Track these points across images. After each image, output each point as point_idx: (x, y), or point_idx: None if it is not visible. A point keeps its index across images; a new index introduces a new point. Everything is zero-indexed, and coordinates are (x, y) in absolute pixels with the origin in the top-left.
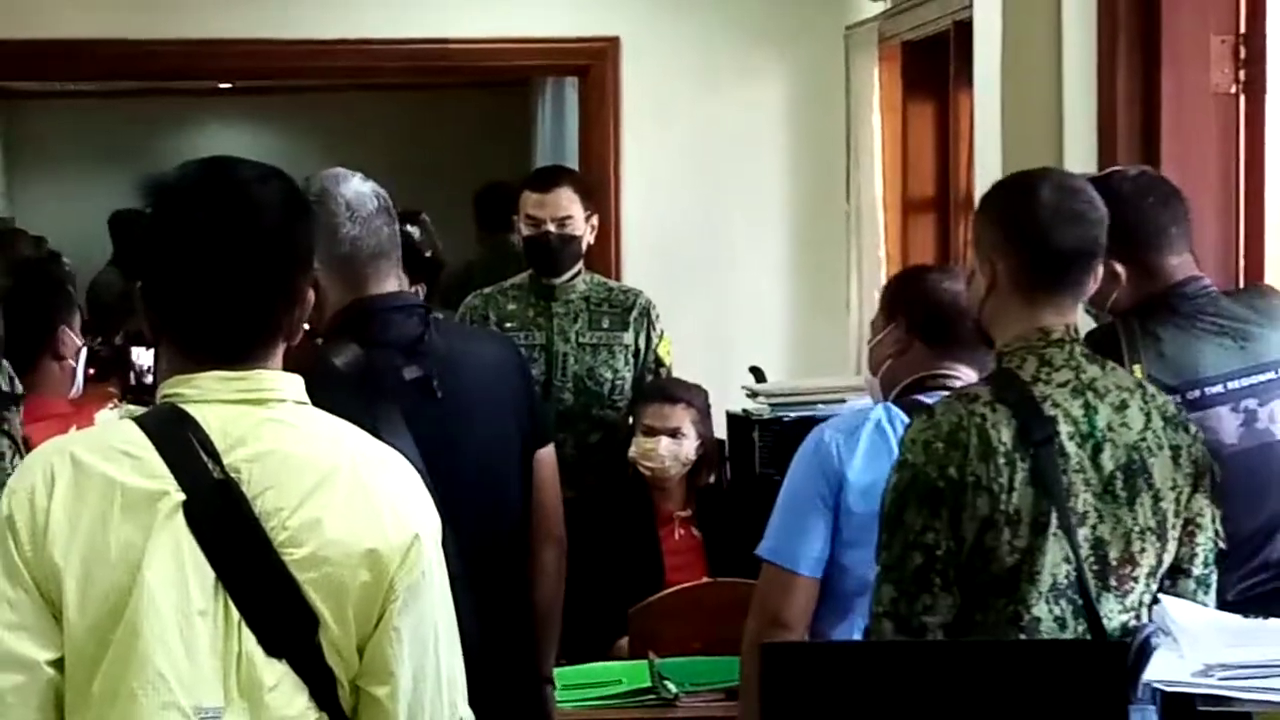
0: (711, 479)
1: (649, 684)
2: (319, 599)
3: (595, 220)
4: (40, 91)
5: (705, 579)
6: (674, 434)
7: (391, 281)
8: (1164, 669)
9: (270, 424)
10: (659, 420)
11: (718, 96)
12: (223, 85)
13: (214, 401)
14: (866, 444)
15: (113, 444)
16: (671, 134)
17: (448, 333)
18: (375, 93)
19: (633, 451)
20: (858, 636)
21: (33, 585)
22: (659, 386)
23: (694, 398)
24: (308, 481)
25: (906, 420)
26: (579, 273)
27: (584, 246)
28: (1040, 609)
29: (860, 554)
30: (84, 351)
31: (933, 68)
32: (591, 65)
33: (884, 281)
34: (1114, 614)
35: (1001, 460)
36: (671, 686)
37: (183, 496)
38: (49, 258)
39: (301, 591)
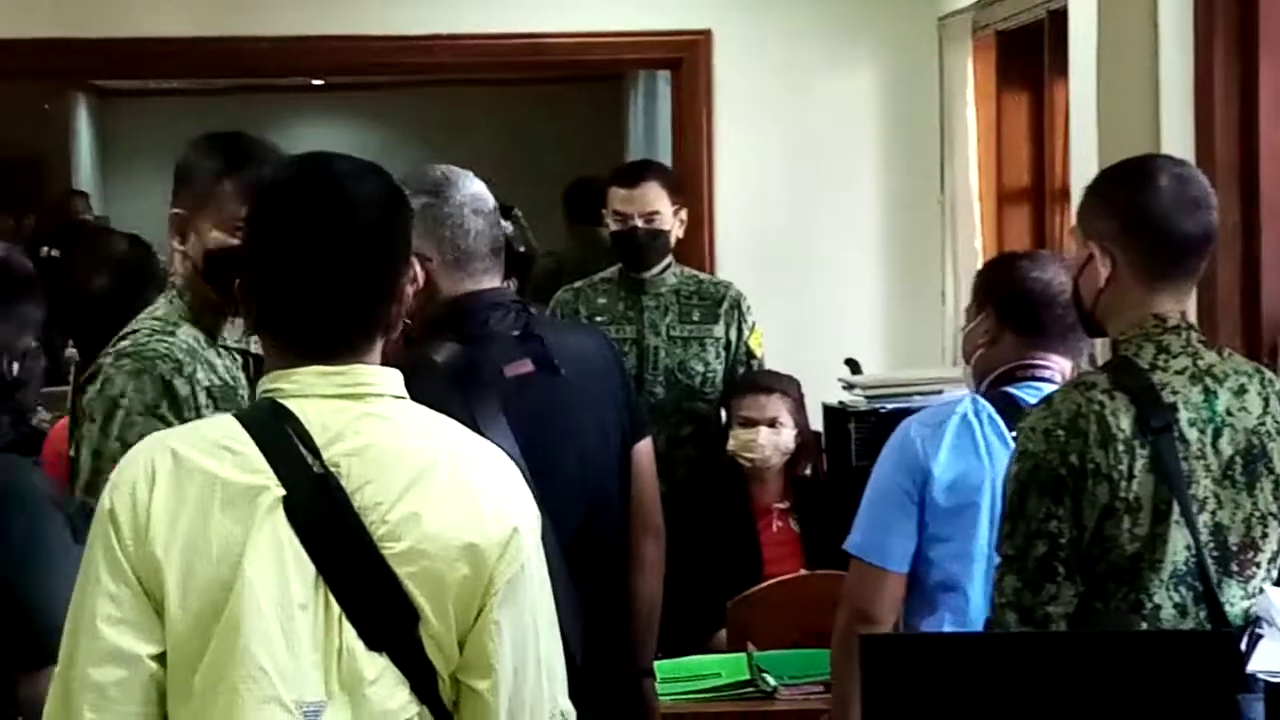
0: (808, 470)
1: (748, 676)
2: (419, 593)
3: (684, 214)
4: (135, 90)
5: (803, 571)
6: (772, 424)
7: (493, 278)
8: (1269, 659)
9: (369, 419)
10: (756, 411)
11: (811, 88)
12: (316, 82)
13: (313, 396)
14: (952, 438)
15: (213, 439)
16: (764, 126)
17: (545, 327)
18: (468, 88)
19: (731, 444)
20: (948, 629)
21: (135, 580)
22: (753, 378)
23: (788, 387)
24: (406, 476)
25: (993, 413)
26: (669, 266)
27: (672, 240)
28: (1161, 596)
29: (946, 548)
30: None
31: (1027, 57)
32: (684, 58)
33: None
34: (1236, 600)
35: (1121, 448)
36: (770, 679)
37: (282, 491)
38: (144, 251)
39: (401, 585)
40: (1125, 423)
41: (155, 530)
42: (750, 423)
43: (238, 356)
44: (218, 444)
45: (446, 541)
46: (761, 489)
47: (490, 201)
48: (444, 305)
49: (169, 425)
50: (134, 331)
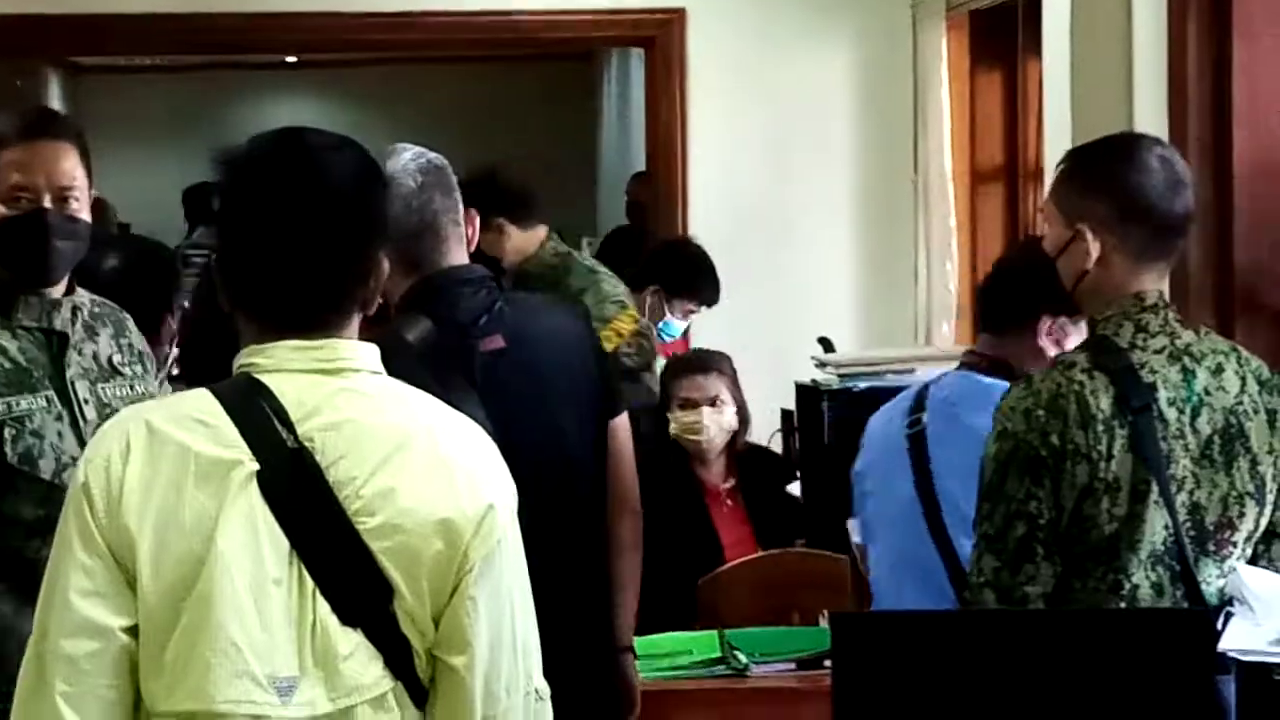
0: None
1: (719, 654)
2: (393, 568)
3: None
4: (107, 66)
5: (759, 549)
6: (713, 403)
7: (457, 255)
8: (1239, 638)
9: (345, 393)
10: (696, 391)
11: (785, 67)
12: (289, 59)
13: (288, 371)
14: None
15: (188, 412)
16: (738, 105)
17: (518, 304)
18: (441, 65)
19: (674, 427)
20: None
21: (107, 552)
22: (690, 359)
23: (724, 365)
24: (381, 451)
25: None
26: None
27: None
28: (1139, 576)
29: None
30: (176, 339)
31: (1000, 36)
32: (657, 36)
33: (953, 251)
34: (1212, 579)
35: (1100, 428)
36: (741, 656)
37: (256, 465)
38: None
39: (376, 560)
40: (1105, 402)
41: (128, 503)
42: (691, 404)
43: (40, 335)
44: (192, 417)
45: (421, 517)
46: (706, 470)
47: (416, 179)
48: (414, 285)
49: None
50: None
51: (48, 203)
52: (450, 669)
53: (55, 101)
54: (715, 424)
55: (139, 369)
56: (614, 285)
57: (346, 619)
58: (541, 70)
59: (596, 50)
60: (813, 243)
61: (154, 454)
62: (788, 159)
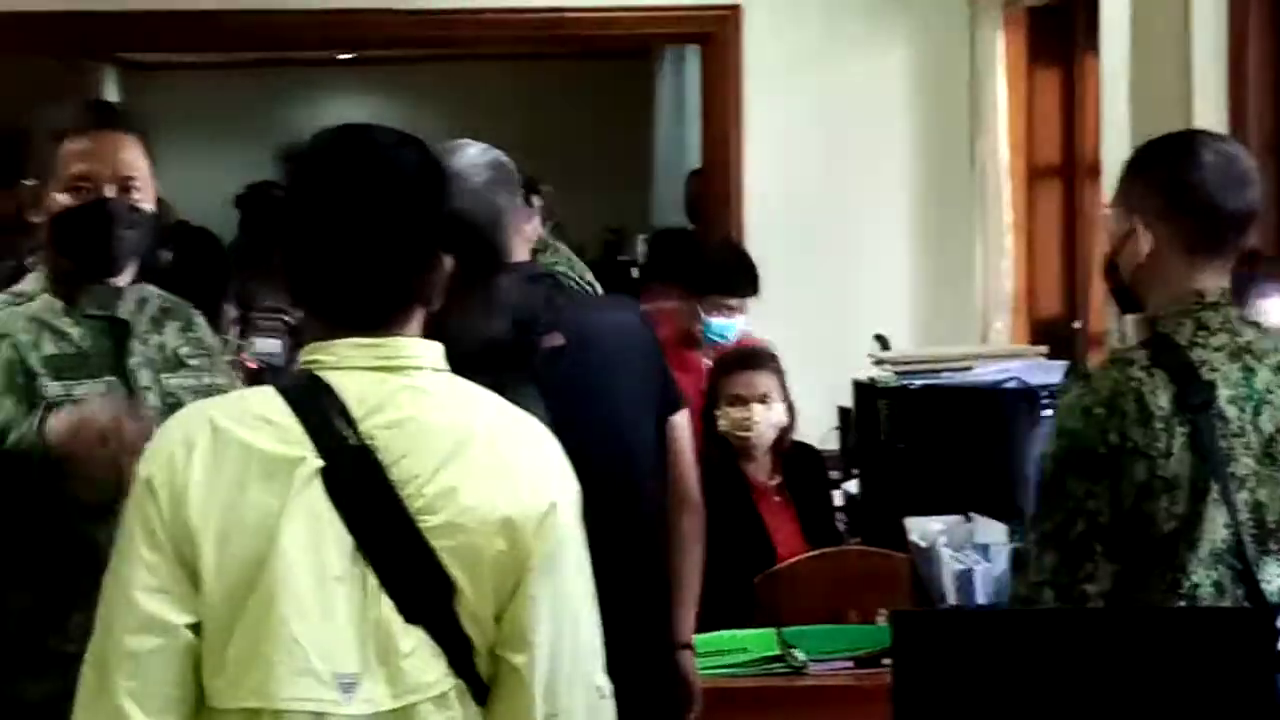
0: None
1: (776, 651)
2: (455, 566)
3: None
4: (161, 63)
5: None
6: (763, 400)
7: (520, 251)
8: None
9: (407, 391)
10: (747, 388)
11: (841, 63)
12: (342, 56)
13: (352, 369)
14: None
15: (251, 409)
16: (795, 102)
17: (577, 301)
18: (495, 63)
19: (723, 423)
20: None
21: (171, 549)
22: (739, 356)
23: (773, 362)
24: (444, 449)
25: None
26: None
27: None
28: (1199, 575)
29: None
30: (234, 328)
31: (1058, 33)
32: (714, 33)
33: (1009, 249)
34: (1273, 578)
35: (1159, 426)
36: (799, 654)
37: (320, 463)
38: (207, 233)
39: (438, 559)
40: (1164, 400)
41: (192, 500)
42: (741, 400)
43: (103, 323)
44: (256, 415)
45: (484, 515)
46: (754, 467)
47: (484, 175)
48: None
49: None
50: None
51: (110, 193)
52: (512, 668)
53: (111, 98)
54: (765, 420)
55: (207, 362)
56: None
57: (409, 617)
58: (596, 67)
59: (652, 48)
60: (869, 240)
61: (218, 451)
62: (844, 156)
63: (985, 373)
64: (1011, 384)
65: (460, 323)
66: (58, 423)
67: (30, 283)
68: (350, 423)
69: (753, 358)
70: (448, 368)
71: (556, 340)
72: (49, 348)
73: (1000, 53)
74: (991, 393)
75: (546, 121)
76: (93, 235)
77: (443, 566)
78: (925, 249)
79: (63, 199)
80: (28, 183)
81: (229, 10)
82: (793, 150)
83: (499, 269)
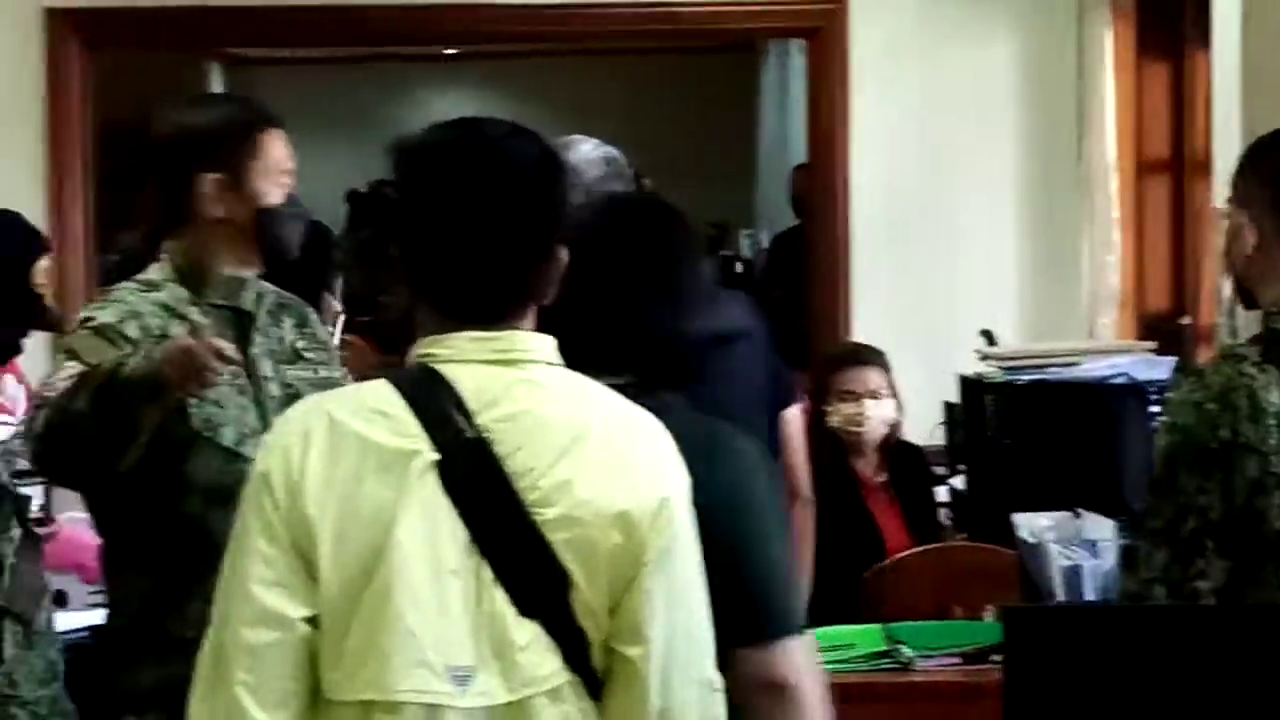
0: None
1: (883, 647)
2: (571, 560)
3: None
4: (268, 58)
5: (955, 543)
6: (873, 396)
7: None
8: None
9: (523, 384)
10: (858, 384)
11: (947, 56)
12: (448, 51)
13: (467, 362)
14: None
15: (367, 403)
16: (900, 95)
17: None
18: (599, 58)
19: (835, 419)
20: None
21: (288, 542)
22: (849, 352)
23: (881, 359)
24: (559, 442)
25: None
26: None
27: None
28: None
29: None
30: (341, 319)
31: (1167, 27)
32: (820, 28)
33: (1116, 244)
34: None
35: (1271, 422)
36: (906, 650)
37: (436, 456)
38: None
39: (553, 552)
40: (1275, 396)
41: (309, 493)
42: (852, 396)
43: (227, 313)
44: (372, 408)
45: (599, 509)
46: (863, 462)
47: (598, 169)
48: None
49: (111, 345)
50: (112, 290)
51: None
52: (626, 660)
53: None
54: (876, 416)
55: (324, 355)
56: None
57: (524, 610)
58: (700, 62)
59: (756, 41)
60: (976, 235)
61: (334, 444)
62: (950, 150)
63: (1093, 368)
64: (1120, 380)
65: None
66: (164, 349)
67: (156, 272)
68: (467, 416)
69: (863, 353)
70: (561, 362)
71: None
72: (176, 333)
73: (1108, 46)
74: (1099, 388)
75: (649, 116)
76: (297, 238)
77: (558, 560)
78: (1031, 244)
79: (274, 194)
80: (212, 176)
81: (334, 6)
82: (898, 144)
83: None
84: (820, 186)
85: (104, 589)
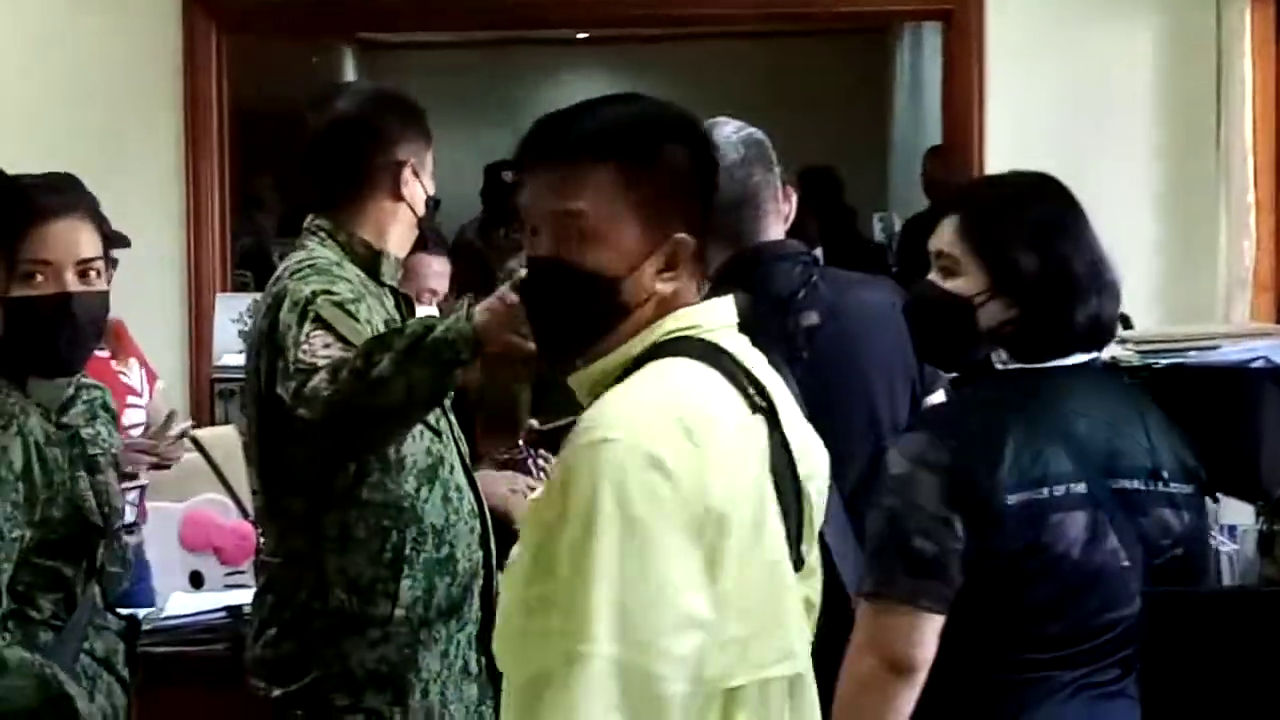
0: None
1: None
2: (817, 519)
3: None
4: (398, 43)
5: None
6: None
7: (775, 229)
8: None
9: (747, 344)
10: None
11: (1085, 41)
12: (580, 35)
13: (724, 328)
14: None
15: (705, 384)
16: (1036, 80)
17: (832, 280)
18: (732, 40)
19: None
20: None
21: (693, 537)
22: None
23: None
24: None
25: None
26: None
27: None
28: None
29: None
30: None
31: None
32: (955, 10)
33: (1252, 229)
34: None
35: None
36: None
37: (766, 429)
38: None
39: (811, 515)
40: None
41: (712, 486)
42: None
43: (389, 295)
44: (713, 390)
45: (822, 472)
46: None
47: (737, 152)
48: (731, 258)
49: (354, 320)
50: (312, 264)
51: None
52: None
53: (350, 77)
54: None
55: None
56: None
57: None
58: (833, 44)
59: (891, 24)
60: (1112, 219)
61: (710, 431)
62: (1087, 134)
63: (1231, 352)
64: (1258, 363)
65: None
66: (482, 308)
67: (321, 250)
68: (756, 384)
69: None
70: None
71: (812, 319)
72: (379, 312)
73: (1248, 29)
74: (1238, 372)
75: (783, 98)
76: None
77: (813, 522)
78: (1168, 228)
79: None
80: (410, 161)
81: None
82: (1034, 129)
83: (750, 246)
84: (954, 170)
85: (281, 573)
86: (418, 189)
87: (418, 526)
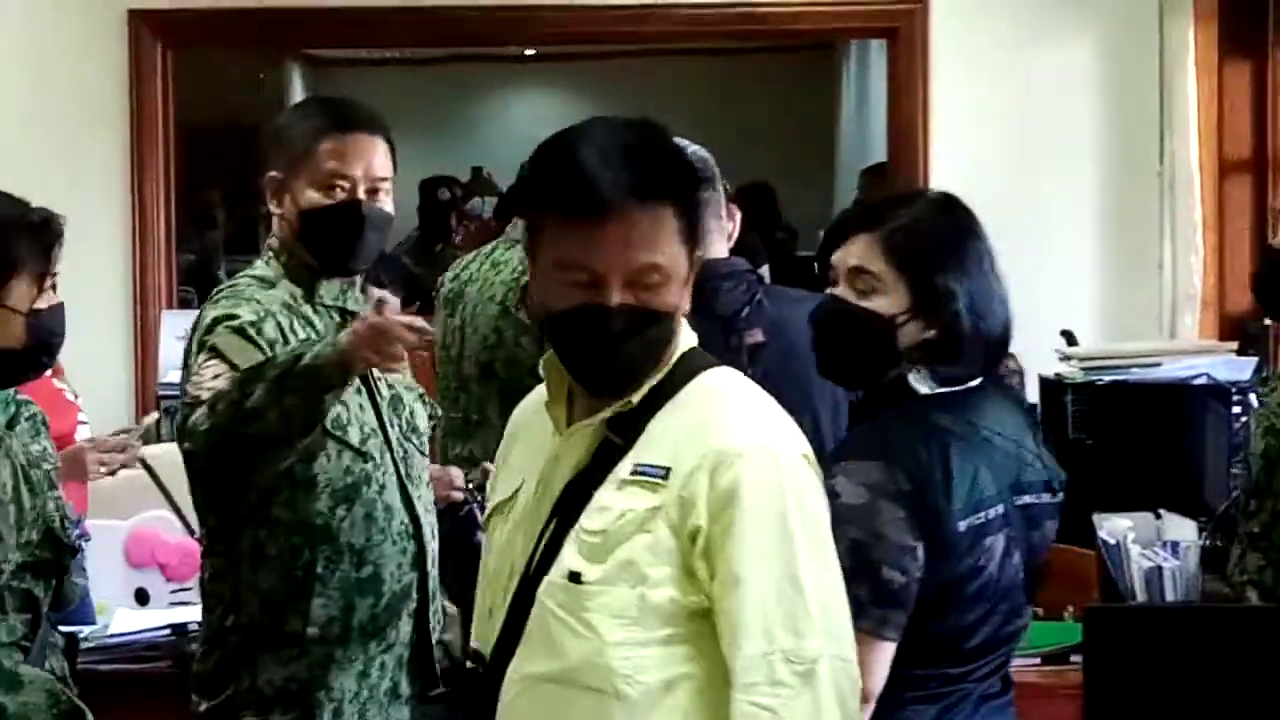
0: None
1: None
2: None
3: None
4: (347, 59)
5: None
6: None
7: (718, 248)
8: None
9: None
10: None
11: (1030, 59)
12: (528, 52)
13: None
14: None
15: None
16: (981, 96)
17: (777, 298)
18: (678, 58)
19: None
20: None
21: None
22: None
23: (1010, 360)
24: None
25: None
26: None
27: None
28: None
29: None
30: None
31: (1250, 27)
32: (900, 27)
33: (1198, 244)
34: None
35: None
36: None
37: None
38: None
39: None
40: None
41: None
42: None
43: (335, 315)
44: None
45: None
46: None
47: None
48: None
49: (253, 344)
50: (232, 285)
51: (362, 194)
52: None
53: (296, 94)
54: None
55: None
56: None
57: None
58: (779, 61)
59: (836, 41)
60: (1056, 235)
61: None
62: (1031, 151)
63: (1174, 369)
64: (1201, 380)
65: None
66: (347, 332)
67: (264, 269)
68: None
69: None
70: None
71: (756, 337)
72: (300, 333)
73: (1190, 46)
74: (1181, 389)
75: (728, 116)
76: (342, 235)
77: None
78: (1112, 244)
79: (315, 196)
80: (274, 175)
81: (414, 7)
82: (979, 144)
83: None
84: (891, 189)
85: (209, 588)
86: (288, 203)
87: (331, 545)
